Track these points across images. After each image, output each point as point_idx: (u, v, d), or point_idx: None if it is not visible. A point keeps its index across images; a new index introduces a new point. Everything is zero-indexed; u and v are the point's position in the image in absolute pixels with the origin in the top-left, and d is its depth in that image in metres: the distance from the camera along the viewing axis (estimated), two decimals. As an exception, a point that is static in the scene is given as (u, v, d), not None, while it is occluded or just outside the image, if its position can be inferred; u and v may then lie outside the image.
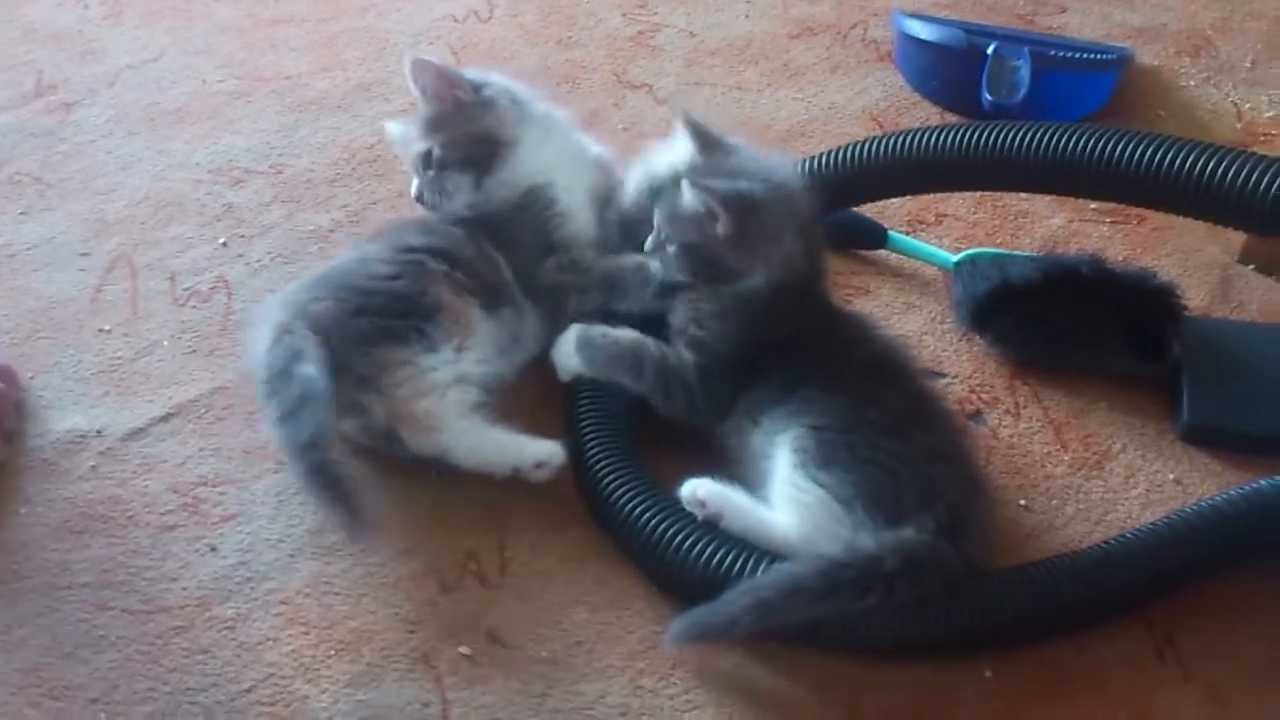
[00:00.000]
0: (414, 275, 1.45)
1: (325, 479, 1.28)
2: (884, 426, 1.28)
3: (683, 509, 1.31)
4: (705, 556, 1.26)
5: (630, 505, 1.33)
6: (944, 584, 1.22)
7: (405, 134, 1.58)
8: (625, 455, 1.39)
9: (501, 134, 1.54)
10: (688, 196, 1.37)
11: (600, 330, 1.45)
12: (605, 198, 1.57)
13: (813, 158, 1.63)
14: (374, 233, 1.61)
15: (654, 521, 1.31)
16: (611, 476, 1.36)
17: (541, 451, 1.39)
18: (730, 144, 1.47)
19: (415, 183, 1.56)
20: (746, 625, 1.19)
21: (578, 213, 1.53)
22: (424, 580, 1.33)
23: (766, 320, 1.37)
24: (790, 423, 1.31)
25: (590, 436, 1.41)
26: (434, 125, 1.54)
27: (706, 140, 1.45)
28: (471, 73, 1.57)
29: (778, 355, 1.36)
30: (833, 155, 1.61)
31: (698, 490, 1.31)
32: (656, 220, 1.43)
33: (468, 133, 1.53)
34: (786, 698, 1.23)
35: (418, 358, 1.40)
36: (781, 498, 1.29)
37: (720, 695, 1.23)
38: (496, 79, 1.58)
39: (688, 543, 1.28)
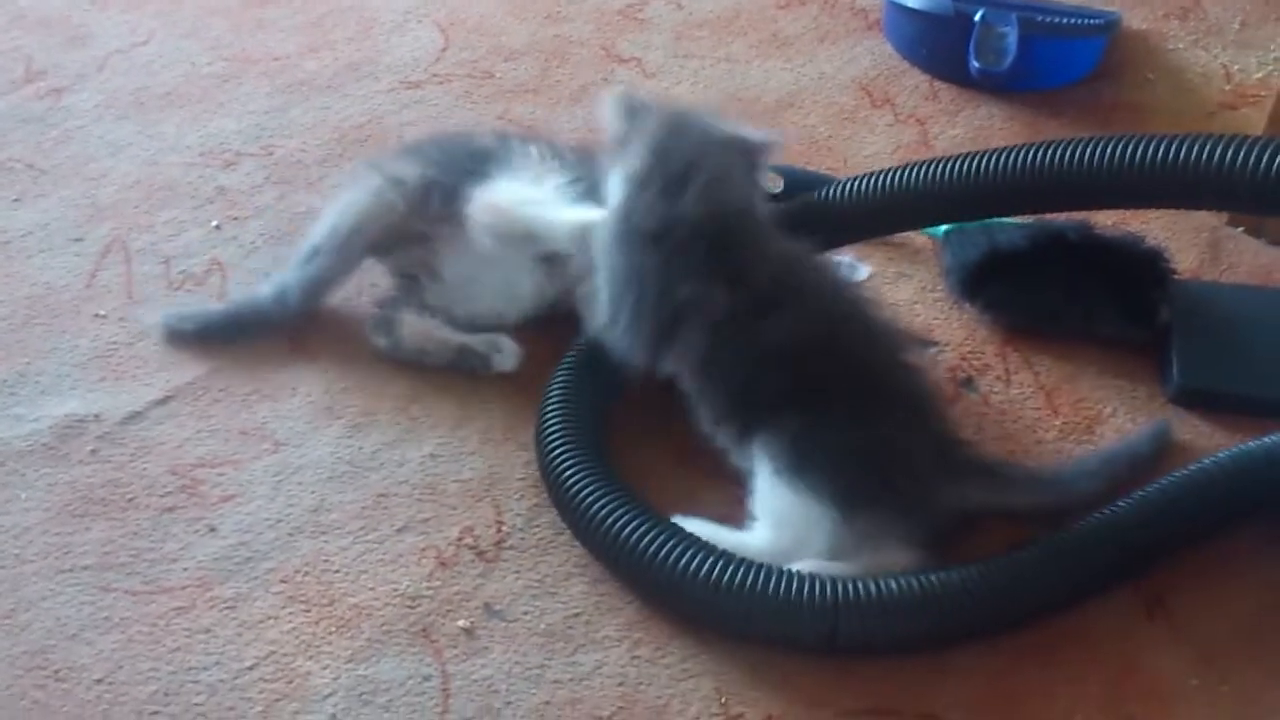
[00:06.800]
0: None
1: None
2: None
3: (650, 512, 1.29)
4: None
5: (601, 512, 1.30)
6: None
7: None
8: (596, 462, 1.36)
9: None
10: None
11: None
12: None
13: (857, 179, 1.50)
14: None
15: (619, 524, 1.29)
16: (582, 482, 1.33)
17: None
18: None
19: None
20: None
21: None
22: (421, 556, 1.34)
23: None
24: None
25: (559, 442, 1.37)
26: None
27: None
28: None
29: None
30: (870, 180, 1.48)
31: None
32: None
33: None
34: (780, 663, 1.24)
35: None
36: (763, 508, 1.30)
37: (716, 664, 1.24)
38: None
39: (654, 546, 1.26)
